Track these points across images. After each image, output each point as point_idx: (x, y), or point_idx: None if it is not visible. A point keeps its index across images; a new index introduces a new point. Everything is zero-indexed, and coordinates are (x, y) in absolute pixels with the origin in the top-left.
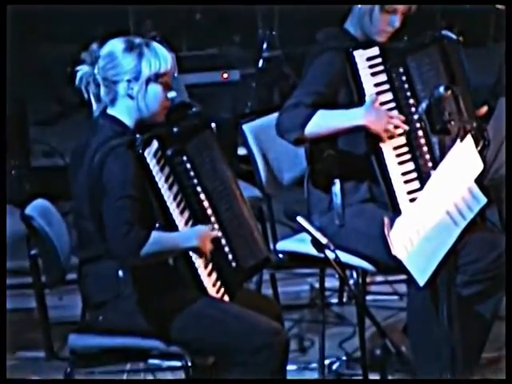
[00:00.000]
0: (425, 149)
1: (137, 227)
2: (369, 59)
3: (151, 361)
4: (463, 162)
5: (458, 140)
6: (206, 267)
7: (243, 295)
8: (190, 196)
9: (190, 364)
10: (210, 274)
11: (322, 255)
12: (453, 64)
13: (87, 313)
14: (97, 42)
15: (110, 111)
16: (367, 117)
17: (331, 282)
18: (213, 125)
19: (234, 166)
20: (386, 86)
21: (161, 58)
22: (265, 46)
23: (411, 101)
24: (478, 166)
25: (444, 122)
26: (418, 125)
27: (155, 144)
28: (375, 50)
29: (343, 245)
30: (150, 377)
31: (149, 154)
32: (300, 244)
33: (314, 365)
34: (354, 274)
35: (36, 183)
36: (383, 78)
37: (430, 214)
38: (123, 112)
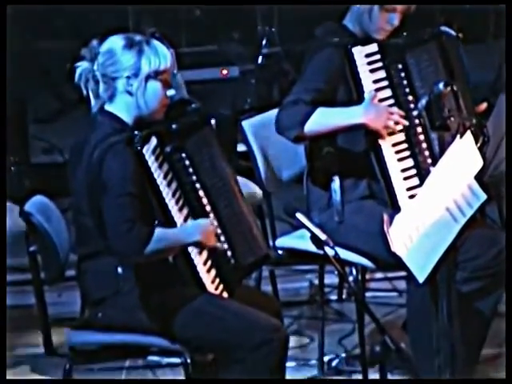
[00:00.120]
0: (424, 145)
1: (139, 224)
2: (367, 56)
3: (150, 358)
4: (463, 158)
5: (458, 136)
6: (204, 264)
7: (242, 292)
8: (188, 193)
9: (189, 361)
10: (209, 271)
11: (321, 252)
12: (452, 60)
13: (86, 309)
14: (96, 39)
15: (108, 108)
16: (367, 115)
17: (330, 279)
18: (212, 121)
19: (234, 162)
20: (385, 83)
21: (160, 56)
22: (264, 42)
23: (410, 97)
24: (478, 163)
25: (443, 119)
26: (417, 121)
27: (154, 141)
28: (374, 47)
29: (342, 241)
30: (149, 373)
31: (147, 151)
32: (299, 241)
33: (314, 361)
34: (354, 271)
35: (35, 180)
36: (382, 74)
37: (429, 211)
38: (122, 109)
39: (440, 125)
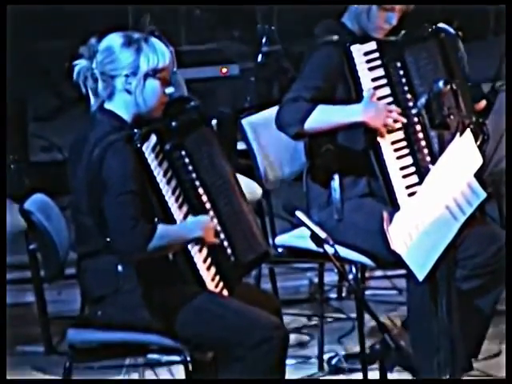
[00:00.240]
0: (423, 143)
1: (142, 222)
2: (366, 54)
3: (150, 356)
4: (462, 156)
5: (457, 135)
6: (204, 261)
7: (242, 290)
8: (188, 190)
9: (189, 359)
10: (208, 269)
11: (321, 250)
12: (451, 58)
13: (86, 307)
14: (95, 37)
15: (107, 106)
16: (366, 113)
17: (330, 277)
18: (213, 121)
19: (233, 160)
20: (384, 81)
21: (159, 54)
22: (264, 40)
23: (409, 95)
24: (478, 161)
25: (443, 117)
26: (416, 119)
27: (153, 138)
28: (372, 45)
29: (342, 239)
30: (149, 371)
31: (147, 149)
32: (299, 239)
33: (313, 359)
34: (353, 269)
35: (35, 178)
36: (381, 72)
37: (429, 209)
38: (121, 107)
39: (439, 123)
